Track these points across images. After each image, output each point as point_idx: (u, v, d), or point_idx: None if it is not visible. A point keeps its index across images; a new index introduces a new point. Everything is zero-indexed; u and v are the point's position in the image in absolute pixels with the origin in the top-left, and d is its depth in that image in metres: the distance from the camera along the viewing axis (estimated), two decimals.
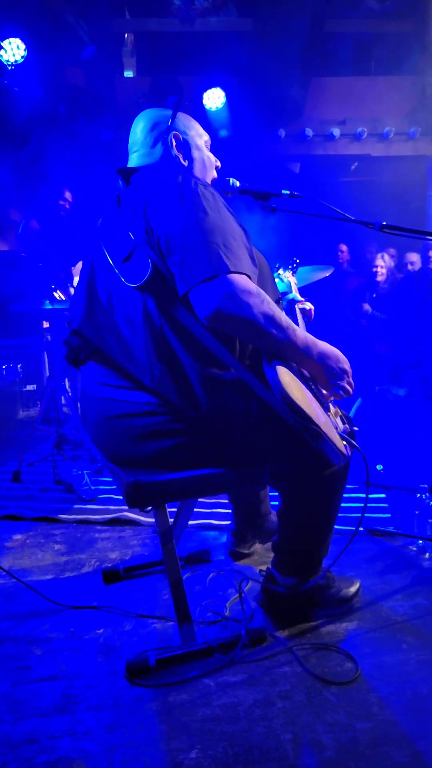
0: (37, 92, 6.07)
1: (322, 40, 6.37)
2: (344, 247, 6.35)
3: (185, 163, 1.74)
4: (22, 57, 5.54)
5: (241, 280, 1.41)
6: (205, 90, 6.20)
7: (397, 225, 1.76)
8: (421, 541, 2.26)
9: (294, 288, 2.14)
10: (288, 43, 5.84)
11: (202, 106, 6.19)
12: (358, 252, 6.39)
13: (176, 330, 1.51)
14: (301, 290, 2.25)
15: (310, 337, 1.53)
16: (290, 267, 2.20)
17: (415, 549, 2.25)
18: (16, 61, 5.59)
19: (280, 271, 2.18)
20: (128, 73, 7.49)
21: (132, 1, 6.94)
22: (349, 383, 1.59)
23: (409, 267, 5.47)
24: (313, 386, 1.58)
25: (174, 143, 1.72)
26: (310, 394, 1.50)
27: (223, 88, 6.19)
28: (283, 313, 1.49)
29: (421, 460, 2.86)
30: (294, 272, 2.20)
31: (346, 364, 1.58)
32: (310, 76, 6.33)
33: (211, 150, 1.84)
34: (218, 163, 1.84)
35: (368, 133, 6.54)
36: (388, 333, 5.13)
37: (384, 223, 1.74)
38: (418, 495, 2.34)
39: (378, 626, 1.76)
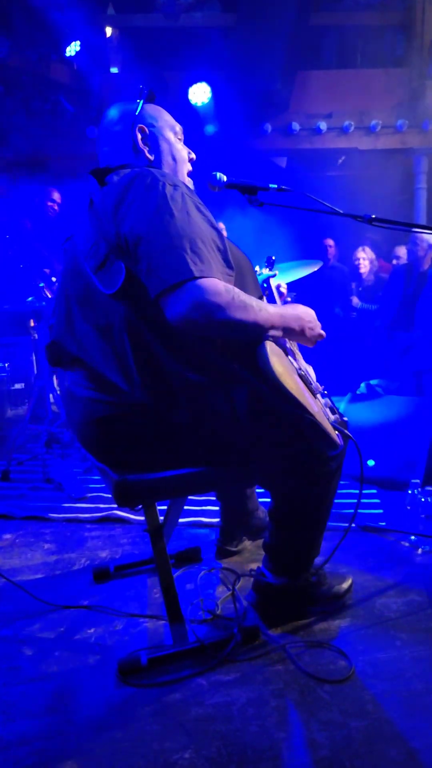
0: (21, 89, 6.03)
1: (307, 34, 6.34)
2: (331, 242, 6.35)
3: (151, 157, 1.69)
4: (6, 54, 5.53)
5: (208, 284, 1.36)
6: (191, 85, 6.16)
7: (386, 218, 1.75)
8: (413, 537, 2.26)
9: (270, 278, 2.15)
10: (272, 37, 5.81)
11: (188, 101, 6.16)
12: (345, 247, 6.40)
13: (155, 334, 1.48)
14: (289, 285, 2.25)
15: (281, 308, 1.53)
16: (266, 264, 2.20)
17: (407, 544, 2.25)
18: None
19: (257, 268, 2.18)
20: (114, 69, 7.44)
21: None
22: (319, 334, 1.63)
23: (395, 262, 5.49)
24: (303, 375, 1.58)
25: (140, 136, 1.68)
26: (302, 383, 1.49)
27: (209, 83, 6.16)
28: (253, 298, 1.45)
29: (411, 455, 2.85)
30: (270, 267, 2.20)
31: (311, 314, 1.61)
32: (295, 69, 6.31)
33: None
34: (192, 155, 1.79)
35: (355, 126, 6.52)
36: (377, 325, 5.14)
37: (373, 215, 1.73)
38: (410, 490, 2.34)
39: (371, 623, 1.75)
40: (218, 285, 1.38)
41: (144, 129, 1.69)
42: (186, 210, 1.44)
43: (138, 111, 1.69)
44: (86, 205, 1.63)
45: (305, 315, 1.59)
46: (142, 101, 1.71)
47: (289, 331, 1.54)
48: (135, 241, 1.42)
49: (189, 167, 1.77)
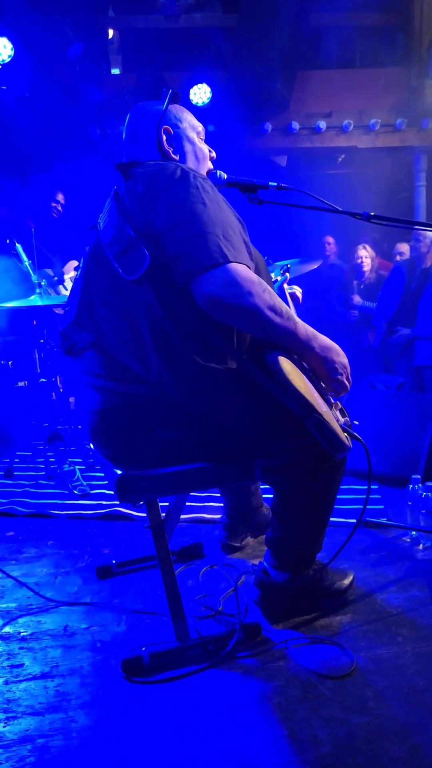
0: (25, 90, 6.05)
1: (307, 34, 6.34)
2: (331, 240, 6.35)
3: (176, 157, 1.71)
4: (10, 56, 5.55)
5: (242, 270, 1.41)
6: (191, 86, 6.17)
7: (385, 216, 1.75)
8: (414, 533, 2.26)
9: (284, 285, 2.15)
10: (272, 37, 5.81)
11: (189, 101, 6.17)
12: (345, 244, 6.39)
13: (175, 322, 1.50)
14: (289, 282, 2.25)
15: (311, 329, 1.53)
16: (281, 273, 2.20)
17: (408, 540, 2.25)
18: (3, 60, 5.59)
19: (272, 275, 2.18)
20: (115, 71, 7.44)
21: None
22: (348, 379, 1.60)
23: (398, 258, 5.48)
24: (313, 377, 1.58)
25: (164, 137, 1.70)
26: (311, 384, 1.50)
27: (209, 84, 6.17)
28: (285, 305, 1.48)
29: (412, 450, 2.85)
30: (284, 277, 2.21)
31: (344, 359, 1.59)
32: (295, 69, 6.30)
33: None
34: (213, 154, 1.82)
35: (354, 125, 6.52)
36: (374, 322, 5.14)
37: (372, 213, 1.73)
38: (411, 486, 2.33)
39: (373, 619, 1.75)
40: (251, 273, 1.43)
41: (169, 130, 1.71)
42: (216, 200, 1.49)
43: (164, 112, 1.71)
44: (111, 196, 1.65)
45: (338, 351, 1.58)
46: (167, 102, 1.72)
47: (311, 356, 1.54)
48: (167, 228, 1.45)
49: (210, 165, 1.81)
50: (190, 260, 1.41)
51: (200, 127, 1.81)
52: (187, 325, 1.50)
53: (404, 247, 5.43)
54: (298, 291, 2.14)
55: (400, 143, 6.73)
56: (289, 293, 2.07)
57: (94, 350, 1.64)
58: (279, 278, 2.16)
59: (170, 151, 1.70)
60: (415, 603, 1.82)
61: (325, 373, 1.57)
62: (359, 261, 5.46)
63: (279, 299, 1.46)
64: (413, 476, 2.37)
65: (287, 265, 2.23)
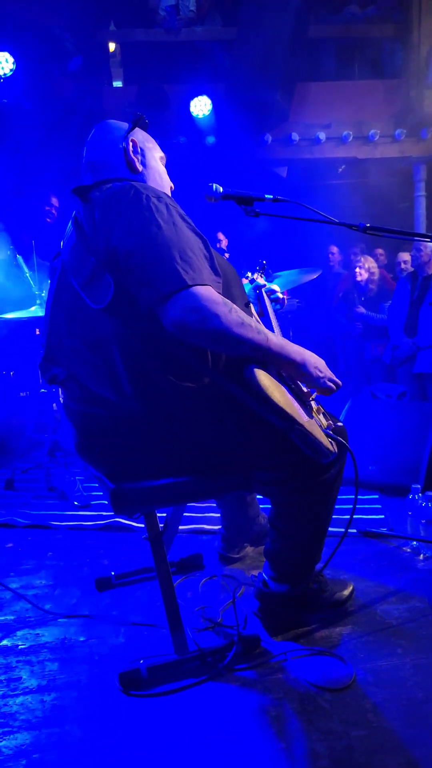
0: (26, 104, 6.11)
1: (306, 46, 6.40)
2: (335, 249, 6.36)
3: (140, 168, 1.70)
4: (11, 70, 5.62)
5: (203, 292, 1.38)
6: (192, 98, 6.22)
7: (385, 227, 1.75)
8: (415, 543, 2.25)
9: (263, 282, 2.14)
10: (272, 49, 5.87)
11: (190, 114, 6.22)
12: (349, 254, 6.41)
13: (146, 346, 1.49)
14: (291, 293, 2.25)
15: (283, 340, 1.51)
16: (258, 269, 2.19)
17: (409, 550, 2.24)
18: (5, 74, 5.66)
19: (249, 274, 2.17)
20: (117, 83, 7.51)
21: (118, 13, 6.97)
22: (331, 379, 1.57)
23: (403, 266, 5.48)
24: (293, 386, 1.57)
25: (131, 147, 1.69)
26: (290, 395, 1.49)
27: (209, 96, 6.22)
28: (253, 319, 1.46)
29: (413, 460, 2.84)
30: (262, 274, 2.20)
31: (320, 361, 1.55)
32: (294, 81, 6.37)
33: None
34: (172, 186, 1.81)
35: (354, 136, 6.57)
36: (383, 333, 5.14)
37: (368, 224, 1.73)
38: (411, 496, 2.33)
39: (372, 630, 1.74)
40: (214, 294, 1.40)
41: (136, 142, 1.71)
42: (172, 221, 1.46)
43: (129, 128, 1.71)
44: (71, 220, 1.63)
45: (311, 355, 1.55)
46: (134, 124, 1.72)
47: (288, 364, 1.51)
48: (124, 255, 1.43)
49: (168, 193, 1.77)
50: (151, 288, 1.39)
51: (162, 154, 1.80)
52: (159, 348, 1.48)
53: (407, 256, 5.43)
54: (279, 292, 2.11)
55: (399, 154, 6.77)
56: (270, 296, 2.05)
57: (70, 381, 1.63)
58: (256, 277, 2.14)
59: (136, 161, 1.69)
60: (415, 614, 1.81)
61: (309, 379, 1.54)
62: (357, 272, 5.47)
63: (245, 314, 1.43)
64: (414, 486, 2.36)
65: (263, 261, 2.20)
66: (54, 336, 1.64)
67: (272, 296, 2.11)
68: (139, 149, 1.71)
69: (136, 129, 1.73)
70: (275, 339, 1.47)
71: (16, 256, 3.71)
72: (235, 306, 1.42)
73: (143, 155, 1.72)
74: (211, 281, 1.42)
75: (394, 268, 5.75)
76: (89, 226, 1.53)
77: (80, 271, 1.54)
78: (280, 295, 2.12)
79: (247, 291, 2.01)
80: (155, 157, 1.76)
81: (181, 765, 1.27)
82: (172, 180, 1.82)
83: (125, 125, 1.73)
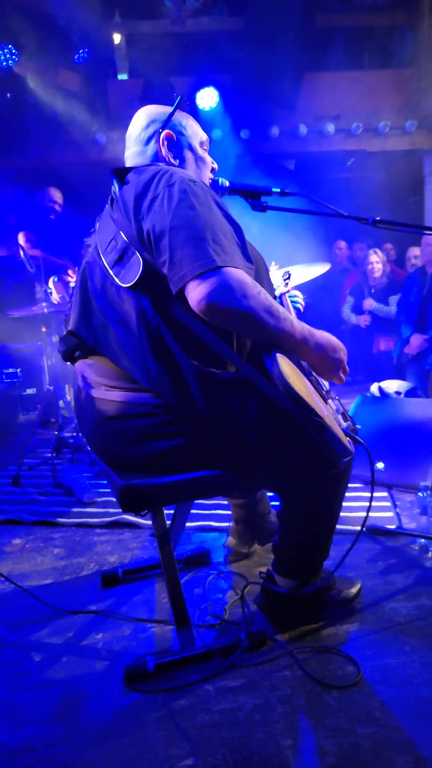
0: (30, 97, 6.10)
1: (314, 36, 6.35)
2: (343, 244, 6.33)
3: (175, 163, 1.71)
4: (17, 62, 5.63)
5: (234, 273, 1.40)
6: (198, 90, 6.19)
7: (395, 220, 1.73)
8: (423, 540, 2.23)
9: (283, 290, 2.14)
10: (279, 39, 5.83)
11: (196, 106, 6.18)
12: (359, 248, 6.37)
13: (172, 328, 1.50)
14: (298, 288, 2.24)
15: (307, 327, 1.52)
16: (284, 278, 2.19)
17: (417, 548, 2.22)
18: (10, 66, 5.66)
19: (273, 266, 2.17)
20: (122, 76, 7.48)
21: (123, 4, 6.93)
22: (344, 371, 1.60)
23: (413, 260, 5.44)
24: (313, 380, 1.57)
25: (165, 142, 1.70)
26: (311, 387, 1.49)
27: (216, 88, 6.18)
28: (280, 305, 1.47)
29: (422, 457, 2.82)
30: (286, 284, 2.19)
31: (342, 353, 1.58)
32: (302, 71, 6.31)
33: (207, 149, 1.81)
34: (215, 165, 1.81)
35: (363, 128, 6.49)
36: (392, 327, 5.11)
37: (378, 218, 1.72)
38: (420, 493, 2.31)
39: (380, 628, 1.73)
40: (245, 275, 1.42)
41: (171, 136, 1.71)
42: (207, 204, 1.48)
43: (168, 117, 1.70)
44: (107, 203, 1.65)
45: (335, 347, 1.57)
46: (174, 107, 1.72)
47: (309, 354, 1.53)
48: (158, 235, 1.45)
49: (210, 176, 1.80)
50: (182, 267, 1.41)
51: (205, 137, 1.80)
52: (185, 331, 1.49)
53: (417, 251, 5.39)
54: (300, 297, 2.13)
55: (409, 146, 6.69)
56: (291, 301, 2.06)
57: (93, 358, 1.64)
58: (282, 288, 2.15)
59: (169, 157, 1.70)
60: (424, 612, 1.80)
61: (322, 369, 1.58)
62: (369, 267, 5.45)
63: (274, 301, 1.46)
64: (422, 484, 2.34)
65: (288, 272, 2.21)
66: (82, 311, 1.65)
67: (294, 301, 2.11)
68: (174, 142, 1.71)
69: (176, 114, 1.73)
70: (300, 327, 1.49)
71: (21, 253, 3.71)
72: (263, 289, 1.44)
73: (179, 147, 1.72)
74: (242, 266, 1.45)
75: (404, 263, 5.71)
76: (124, 207, 1.55)
77: (112, 249, 1.56)
78: (302, 302, 2.14)
79: None
80: (193, 145, 1.75)
81: (186, 761, 1.27)
82: None
83: (166, 112, 1.72)
